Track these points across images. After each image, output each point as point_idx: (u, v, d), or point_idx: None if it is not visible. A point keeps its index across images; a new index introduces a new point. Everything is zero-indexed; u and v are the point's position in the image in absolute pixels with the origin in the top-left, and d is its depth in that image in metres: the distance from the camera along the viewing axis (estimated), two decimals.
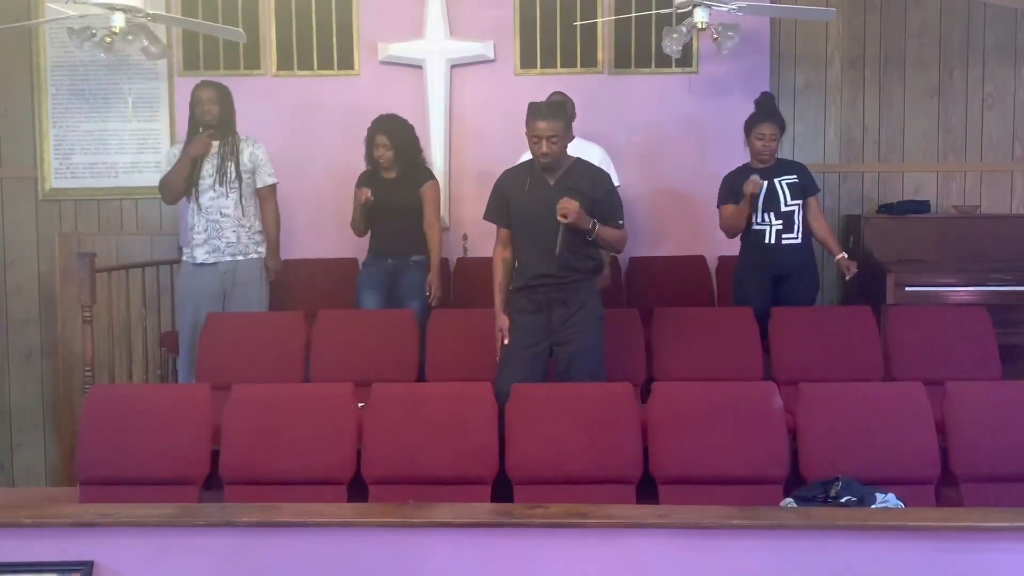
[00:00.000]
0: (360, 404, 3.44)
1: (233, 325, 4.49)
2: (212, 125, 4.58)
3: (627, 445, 3.31)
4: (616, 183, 4.51)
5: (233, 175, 4.57)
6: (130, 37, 4.51)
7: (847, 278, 4.53)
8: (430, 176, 4.83)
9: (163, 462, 3.33)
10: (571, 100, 4.71)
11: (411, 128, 4.80)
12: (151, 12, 4.48)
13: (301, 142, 5.47)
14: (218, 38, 5.32)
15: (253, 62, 5.54)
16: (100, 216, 5.73)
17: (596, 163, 4.23)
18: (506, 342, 3.75)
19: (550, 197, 3.66)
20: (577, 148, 4.33)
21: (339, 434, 3.35)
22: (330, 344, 4.39)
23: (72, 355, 5.59)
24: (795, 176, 4.55)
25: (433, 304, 4.68)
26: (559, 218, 3.56)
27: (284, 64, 5.55)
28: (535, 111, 3.65)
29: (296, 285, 5.31)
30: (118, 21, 4.32)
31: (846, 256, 4.52)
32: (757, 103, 4.72)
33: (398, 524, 2.41)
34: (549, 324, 3.72)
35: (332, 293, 5.08)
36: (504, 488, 3.30)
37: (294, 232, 5.33)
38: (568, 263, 3.68)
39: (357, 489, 3.32)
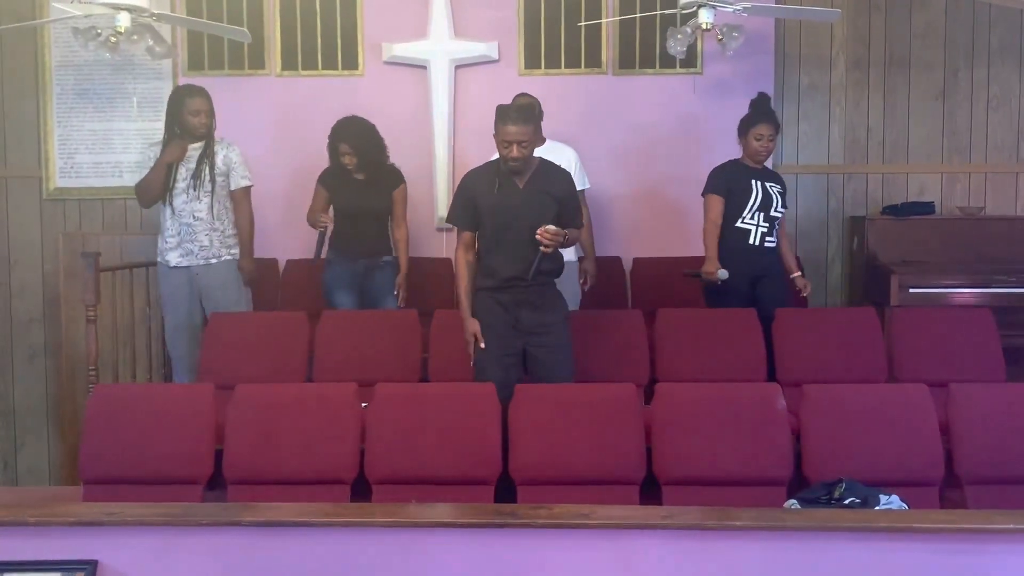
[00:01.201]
0: (363, 404, 3.44)
1: (236, 325, 4.49)
2: (204, 136, 4.56)
3: (630, 446, 3.31)
4: (586, 186, 4.56)
5: (207, 179, 4.54)
6: (135, 37, 4.52)
7: (803, 294, 4.66)
8: (401, 179, 4.84)
9: (167, 461, 3.34)
10: (538, 102, 4.66)
11: (372, 129, 4.77)
12: (156, 12, 4.49)
13: (305, 142, 5.46)
14: (222, 38, 5.32)
15: (257, 62, 5.55)
16: (104, 216, 5.73)
17: (569, 166, 4.28)
18: (482, 346, 3.71)
19: (520, 201, 3.68)
20: (550, 151, 4.34)
21: (342, 434, 3.35)
22: (333, 344, 4.39)
23: (76, 354, 5.59)
24: (780, 186, 4.58)
25: (401, 305, 4.73)
26: (541, 248, 3.57)
27: (288, 64, 5.56)
28: (504, 115, 3.62)
29: (300, 285, 5.32)
30: (123, 21, 4.33)
31: (801, 275, 4.69)
32: (754, 103, 4.70)
33: (401, 524, 2.41)
34: (518, 326, 3.71)
35: None
36: (507, 488, 3.30)
37: (298, 232, 5.33)
38: (540, 266, 3.69)
39: (360, 489, 3.32)
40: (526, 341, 3.72)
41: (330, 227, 4.74)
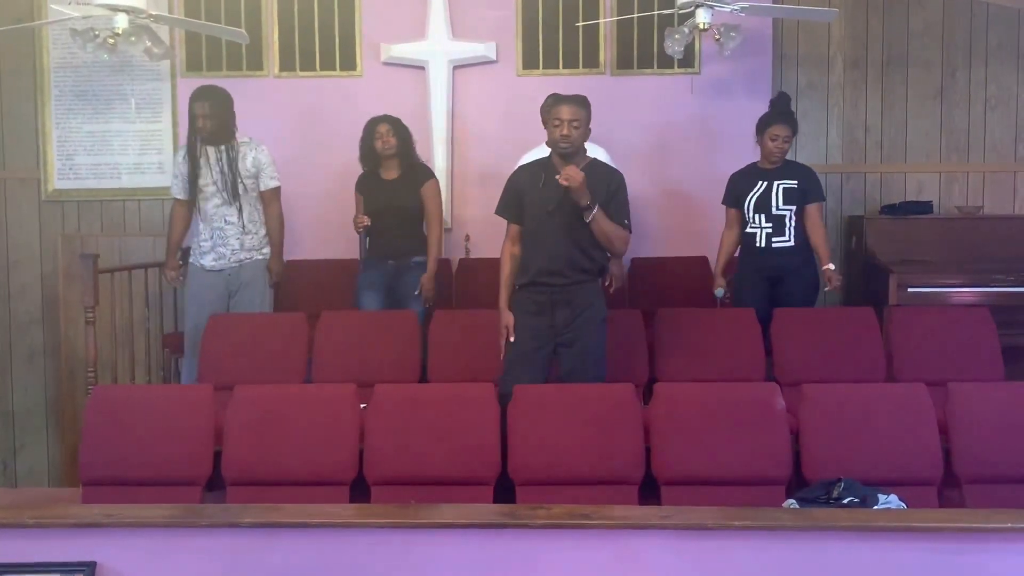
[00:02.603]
0: (362, 405, 3.44)
1: (236, 326, 4.49)
2: (208, 138, 4.57)
3: (629, 446, 3.31)
4: None
5: (233, 182, 4.54)
6: (133, 38, 4.52)
7: (826, 289, 4.59)
8: (431, 175, 4.86)
9: (166, 463, 3.34)
10: None
11: (405, 124, 4.84)
12: (154, 13, 4.49)
13: (304, 143, 5.48)
14: (221, 39, 5.32)
15: (256, 63, 5.55)
16: (103, 217, 5.73)
17: None
18: (512, 339, 3.74)
19: (562, 195, 3.64)
20: None
21: (341, 435, 3.35)
22: (332, 345, 4.39)
23: (75, 356, 5.59)
24: (795, 181, 4.55)
25: (427, 305, 4.70)
26: (561, 181, 3.54)
27: (287, 65, 5.56)
28: (559, 97, 3.70)
29: (299, 286, 5.31)
30: (121, 22, 4.33)
31: (832, 268, 4.54)
32: (773, 103, 4.72)
33: (400, 525, 2.41)
34: (553, 325, 3.72)
35: (334, 294, 5.08)
36: (506, 489, 3.30)
37: (297, 233, 5.33)
38: (574, 262, 3.68)
39: (359, 490, 3.32)
40: (558, 341, 3.73)
41: (366, 225, 4.76)
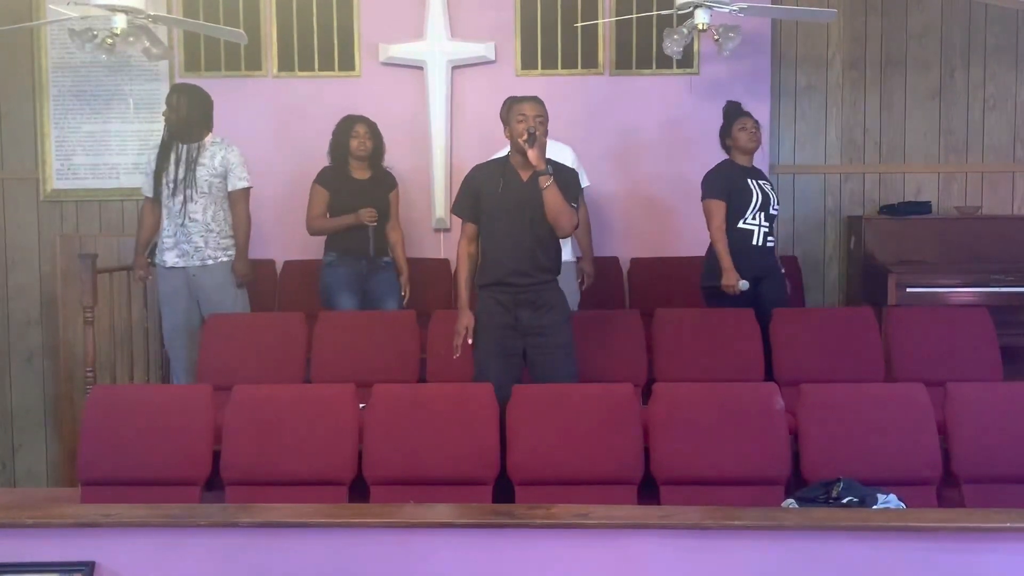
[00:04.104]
0: (361, 405, 3.44)
1: (235, 326, 4.49)
2: (176, 136, 4.55)
3: (628, 446, 3.31)
4: (586, 184, 4.59)
5: (194, 179, 4.51)
6: (131, 38, 4.52)
7: None
8: (396, 182, 4.97)
9: (165, 463, 3.33)
10: None
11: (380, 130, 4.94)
12: (152, 13, 4.48)
13: (302, 143, 5.47)
14: (219, 39, 5.32)
15: (254, 63, 5.54)
16: (101, 217, 5.73)
17: (568, 164, 4.26)
18: (470, 341, 3.74)
19: (522, 195, 3.67)
20: (548, 149, 4.34)
21: (340, 435, 3.35)
22: (331, 345, 4.39)
23: (73, 356, 5.59)
24: (771, 184, 4.61)
25: (406, 305, 4.81)
26: (532, 127, 3.56)
27: (285, 65, 5.56)
28: (517, 99, 3.74)
29: (297, 286, 5.32)
30: (119, 22, 4.33)
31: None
32: (726, 109, 4.70)
33: (399, 525, 2.41)
34: (518, 327, 3.71)
35: None
36: (505, 489, 3.30)
37: (295, 233, 5.32)
38: (538, 261, 3.69)
39: (358, 490, 3.32)
40: (526, 342, 3.73)
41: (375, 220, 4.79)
